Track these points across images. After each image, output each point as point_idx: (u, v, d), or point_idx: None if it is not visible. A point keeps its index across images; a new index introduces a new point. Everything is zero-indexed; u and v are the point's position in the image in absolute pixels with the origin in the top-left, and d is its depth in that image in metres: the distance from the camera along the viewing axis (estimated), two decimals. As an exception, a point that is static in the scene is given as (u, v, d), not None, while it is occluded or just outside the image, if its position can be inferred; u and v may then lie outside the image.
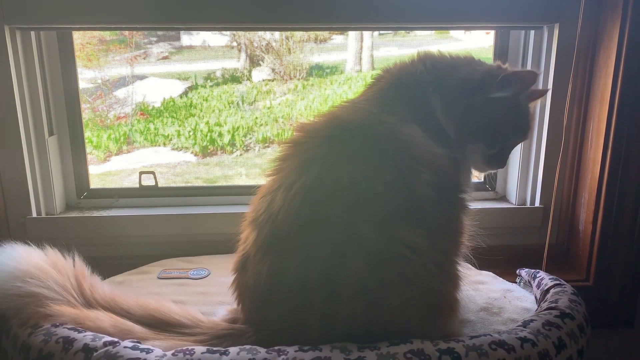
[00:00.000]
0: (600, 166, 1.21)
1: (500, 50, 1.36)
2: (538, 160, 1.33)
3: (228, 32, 1.62)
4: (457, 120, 0.94)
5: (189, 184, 1.57)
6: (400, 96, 0.92)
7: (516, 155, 1.37)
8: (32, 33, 1.22)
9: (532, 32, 1.30)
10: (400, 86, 0.93)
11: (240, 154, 1.67)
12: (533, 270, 1.09)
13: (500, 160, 0.98)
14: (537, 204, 1.35)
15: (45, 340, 0.78)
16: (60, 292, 0.87)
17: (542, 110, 1.30)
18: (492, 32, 1.40)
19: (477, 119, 0.94)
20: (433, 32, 1.61)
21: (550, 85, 1.26)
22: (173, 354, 0.75)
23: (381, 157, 0.83)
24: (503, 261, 1.19)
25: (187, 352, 0.75)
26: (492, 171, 1.04)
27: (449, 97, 0.93)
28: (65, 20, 1.17)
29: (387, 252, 0.78)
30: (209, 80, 1.72)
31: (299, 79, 1.72)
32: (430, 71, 0.96)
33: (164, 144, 1.67)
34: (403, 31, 1.53)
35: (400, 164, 0.82)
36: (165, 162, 1.64)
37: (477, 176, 1.01)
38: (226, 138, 1.67)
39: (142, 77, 1.65)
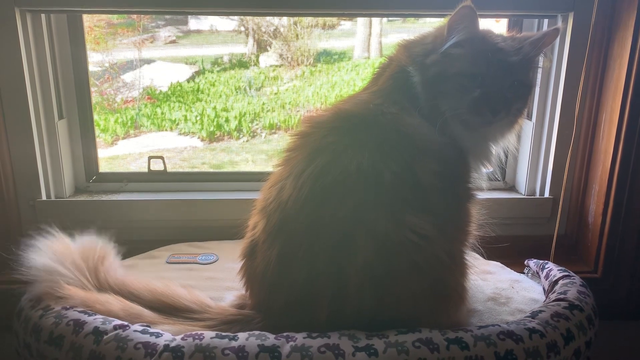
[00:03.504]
0: (612, 158, 1.20)
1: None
2: (548, 150, 1.32)
3: (236, 17, 1.60)
4: (429, 87, 0.89)
5: (198, 170, 1.57)
6: (399, 86, 0.91)
7: (526, 145, 1.36)
8: (43, 15, 1.22)
9: (546, 21, 1.28)
10: (396, 77, 0.92)
11: (247, 140, 1.67)
12: (541, 261, 1.08)
13: (488, 103, 0.86)
14: (546, 194, 1.34)
15: (56, 322, 0.79)
16: (74, 272, 0.88)
17: (554, 100, 1.29)
18: (503, 20, 1.38)
19: (442, 72, 0.88)
20: (443, 19, 1.59)
21: (563, 76, 1.25)
22: (182, 338, 0.75)
23: (387, 147, 0.82)
24: (511, 251, 1.19)
25: (197, 337, 0.76)
26: (493, 129, 0.92)
27: (420, 68, 0.90)
28: (76, 2, 1.17)
29: (395, 238, 0.78)
30: (216, 65, 1.70)
31: (306, 65, 1.71)
32: (407, 52, 0.93)
33: (171, 129, 1.67)
34: (412, 18, 1.51)
35: (405, 154, 0.82)
36: (172, 147, 1.64)
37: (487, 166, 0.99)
38: (233, 124, 1.66)
39: (149, 61, 1.64)
